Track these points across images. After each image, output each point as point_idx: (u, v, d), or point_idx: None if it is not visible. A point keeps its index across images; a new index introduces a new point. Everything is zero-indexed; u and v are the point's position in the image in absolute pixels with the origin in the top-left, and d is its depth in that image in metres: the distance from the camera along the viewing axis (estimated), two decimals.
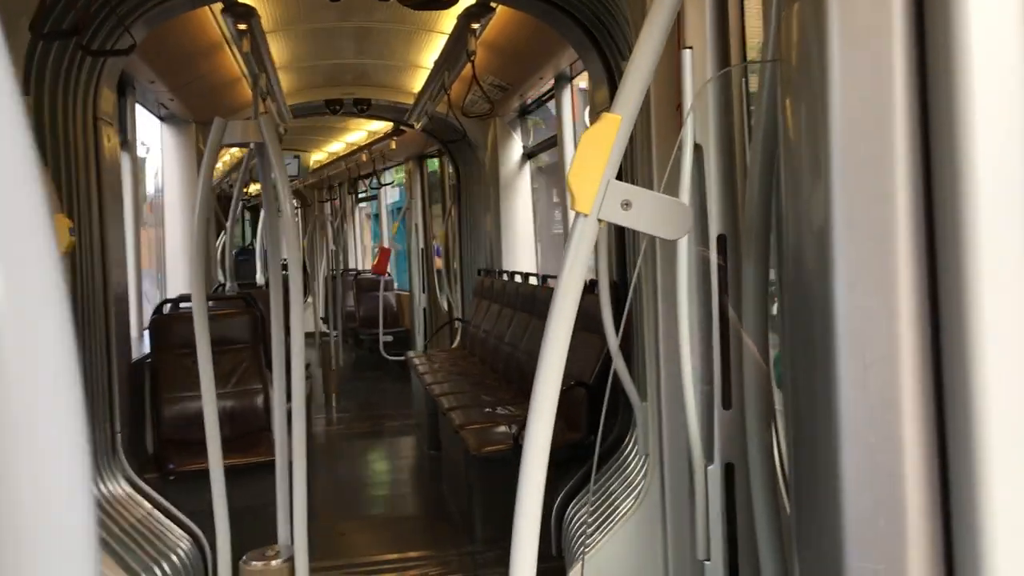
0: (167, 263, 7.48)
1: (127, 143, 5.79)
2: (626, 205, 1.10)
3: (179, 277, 7.25)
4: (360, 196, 13.70)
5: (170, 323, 4.99)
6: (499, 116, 7.49)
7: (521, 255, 7.74)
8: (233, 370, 4.92)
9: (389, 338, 9.61)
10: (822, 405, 1.01)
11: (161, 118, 7.48)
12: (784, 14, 1.10)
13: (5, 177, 0.41)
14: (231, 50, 5.79)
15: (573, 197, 1.10)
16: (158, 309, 5.22)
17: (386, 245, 12.95)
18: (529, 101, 7.24)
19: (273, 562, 2.30)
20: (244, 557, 2.35)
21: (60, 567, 0.42)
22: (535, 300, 6.07)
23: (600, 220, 1.11)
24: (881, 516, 0.96)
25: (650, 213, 1.11)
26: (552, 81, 6.34)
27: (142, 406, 4.52)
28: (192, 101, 6.72)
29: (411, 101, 7.53)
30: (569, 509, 3.82)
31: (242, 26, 5.03)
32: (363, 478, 6.70)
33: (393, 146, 9.88)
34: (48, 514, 0.42)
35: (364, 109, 8.01)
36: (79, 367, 0.45)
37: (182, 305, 5.30)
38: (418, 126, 7.99)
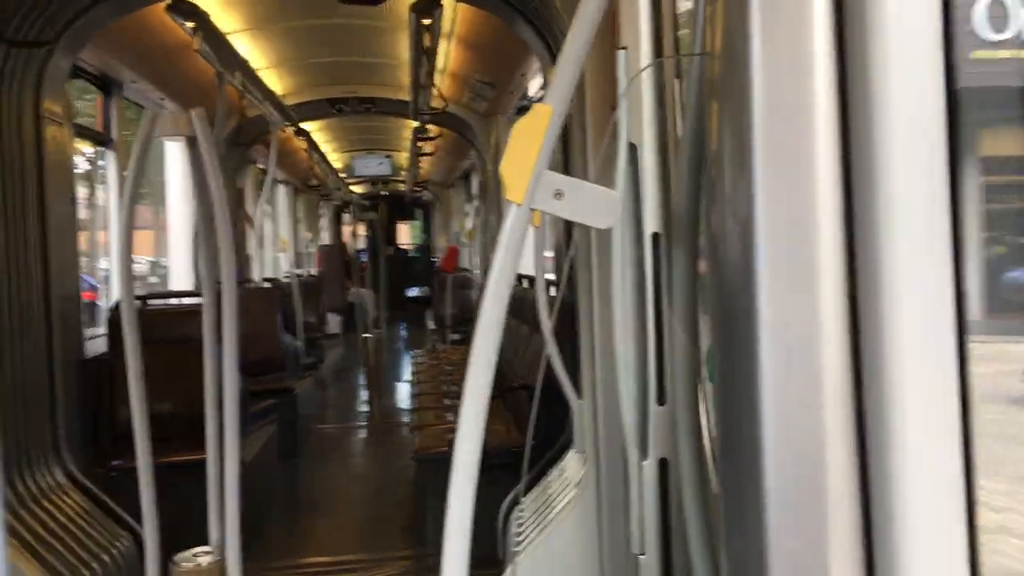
0: (170, 259, 7.55)
1: (112, 142, 5.84)
2: (558, 195, 1.12)
3: (181, 273, 7.35)
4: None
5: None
6: (500, 114, 7.51)
7: (525, 257, 7.79)
8: (193, 368, 4.85)
9: (457, 336, 9.78)
10: (746, 388, 1.03)
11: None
12: (709, 9, 1.13)
13: None
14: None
15: (505, 187, 1.12)
16: (116, 307, 5.18)
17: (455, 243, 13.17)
18: (533, 97, 7.27)
19: (203, 562, 2.26)
20: (174, 558, 2.31)
21: None
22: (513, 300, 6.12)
23: (532, 209, 1.12)
24: (802, 494, 0.99)
25: (581, 203, 1.13)
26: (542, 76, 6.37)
27: (99, 403, 4.46)
28: (184, 101, 6.68)
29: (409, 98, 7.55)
30: (514, 512, 3.84)
31: (191, 24, 4.99)
32: (338, 478, 6.69)
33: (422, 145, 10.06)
34: None
35: (368, 108, 7.98)
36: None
37: (151, 302, 5.33)
38: (415, 123, 8.06)
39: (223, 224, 2.41)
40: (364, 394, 9.47)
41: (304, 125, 9.40)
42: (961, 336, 0.98)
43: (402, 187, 16.64)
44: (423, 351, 9.27)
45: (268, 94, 7.12)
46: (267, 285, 8.66)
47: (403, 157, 12.77)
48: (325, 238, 17.11)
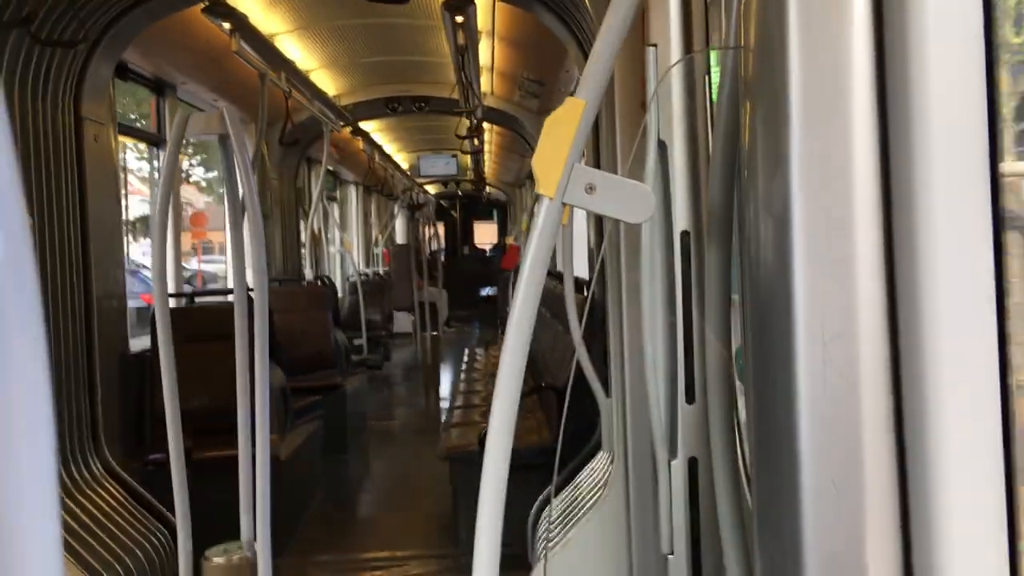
0: (228, 257, 7.71)
1: (165, 143, 6.06)
2: (590, 189, 1.11)
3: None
4: None
5: (171, 316, 5.13)
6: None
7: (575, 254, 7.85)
8: (235, 364, 5.00)
9: None
10: (782, 384, 1.02)
11: None
12: (743, 2, 1.12)
13: None
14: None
15: (538, 180, 1.11)
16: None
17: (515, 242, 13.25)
18: None
19: (234, 557, 2.28)
20: (205, 553, 2.33)
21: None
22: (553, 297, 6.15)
23: (564, 204, 1.11)
24: (840, 494, 0.98)
25: (614, 197, 1.12)
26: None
27: (141, 397, 4.56)
28: (239, 101, 6.79)
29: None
30: (544, 513, 3.83)
31: (227, 25, 5.07)
32: (380, 475, 6.77)
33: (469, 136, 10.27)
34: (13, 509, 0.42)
35: (422, 107, 8.07)
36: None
37: (197, 299, 5.46)
38: (466, 122, 8.22)
39: (255, 222, 2.43)
40: (423, 392, 9.55)
41: (365, 125, 9.47)
42: (1002, 335, 0.96)
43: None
44: (480, 349, 9.31)
45: (318, 94, 7.20)
46: (319, 283, 8.75)
47: (468, 157, 12.86)
48: (401, 238, 17.21)
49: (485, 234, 22.04)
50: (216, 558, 2.30)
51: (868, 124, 1.00)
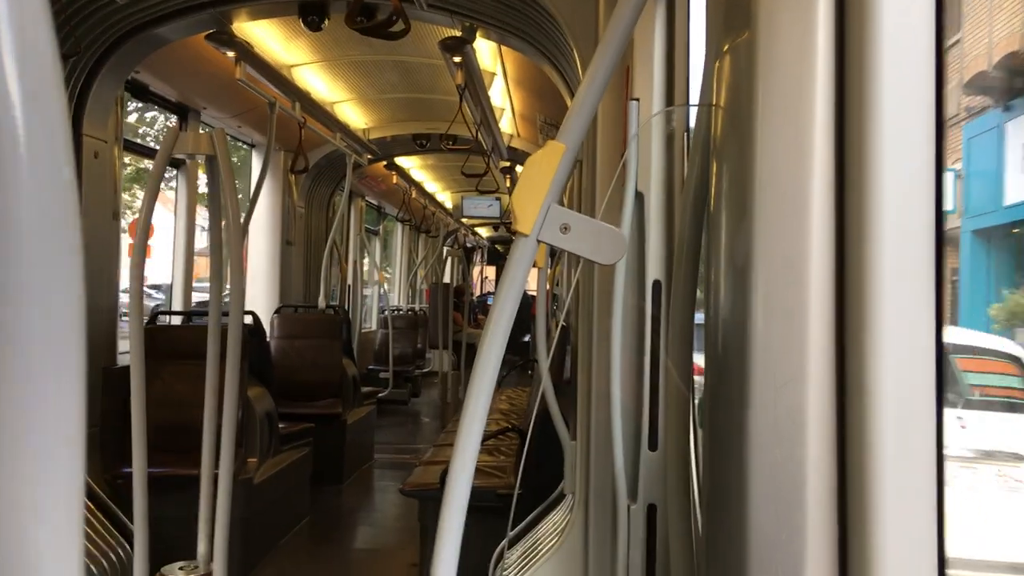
0: (248, 281, 7.80)
1: (184, 165, 6.18)
2: (565, 229, 1.16)
3: (260, 296, 7.61)
4: None
5: (160, 333, 5.19)
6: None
7: None
8: (215, 385, 5.03)
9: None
10: (735, 426, 1.07)
11: (250, 145, 7.74)
12: (716, 63, 1.19)
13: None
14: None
15: (514, 218, 1.16)
16: (151, 319, 5.43)
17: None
18: None
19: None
20: (161, 569, 2.32)
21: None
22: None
23: (539, 241, 1.16)
24: (783, 529, 1.02)
25: (587, 238, 1.18)
26: None
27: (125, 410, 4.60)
28: (261, 128, 6.86)
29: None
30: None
31: (231, 53, 5.16)
32: (376, 507, 6.73)
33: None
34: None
35: (448, 144, 8.21)
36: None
37: (196, 319, 5.54)
38: (483, 162, 8.34)
39: (236, 244, 2.47)
40: (440, 429, 9.48)
41: (402, 161, 9.49)
42: (939, 387, 1.01)
43: None
44: (507, 390, 9.26)
45: (340, 125, 7.30)
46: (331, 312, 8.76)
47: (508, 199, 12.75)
48: (450, 278, 17.14)
49: (535, 279, 21.95)
50: (171, 575, 2.29)
51: (824, 184, 1.06)
